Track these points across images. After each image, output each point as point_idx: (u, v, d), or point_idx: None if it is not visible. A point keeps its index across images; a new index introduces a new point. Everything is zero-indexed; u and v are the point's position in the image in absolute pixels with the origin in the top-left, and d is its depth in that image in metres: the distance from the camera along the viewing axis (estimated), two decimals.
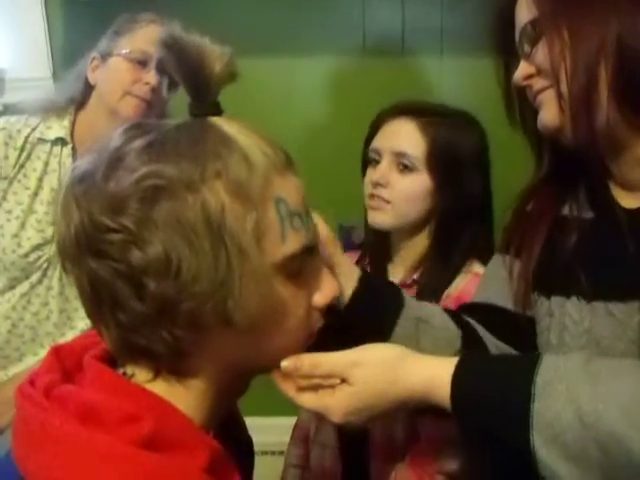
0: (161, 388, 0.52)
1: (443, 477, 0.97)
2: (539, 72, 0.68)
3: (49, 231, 1.22)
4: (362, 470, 1.05)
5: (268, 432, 1.28)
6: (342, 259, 0.72)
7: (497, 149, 1.55)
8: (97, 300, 0.50)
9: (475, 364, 0.59)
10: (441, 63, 1.56)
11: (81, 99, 1.26)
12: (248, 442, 0.70)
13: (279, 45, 1.56)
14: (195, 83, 0.53)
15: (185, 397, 0.53)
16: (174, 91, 0.56)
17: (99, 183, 0.48)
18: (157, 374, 0.52)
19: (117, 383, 0.51)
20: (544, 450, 0.51)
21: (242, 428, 0.71)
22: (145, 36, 1.20)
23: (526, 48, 0.68)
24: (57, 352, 0.56)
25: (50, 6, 1.54)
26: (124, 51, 1.19)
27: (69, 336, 1.25)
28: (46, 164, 1.23)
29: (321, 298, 0.57)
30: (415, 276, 1.06)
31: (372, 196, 1.05)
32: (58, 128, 1.23)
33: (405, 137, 1.03)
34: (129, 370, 0.53)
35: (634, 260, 0.66)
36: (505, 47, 0.75)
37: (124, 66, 1.19)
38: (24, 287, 1.23)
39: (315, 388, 0.61)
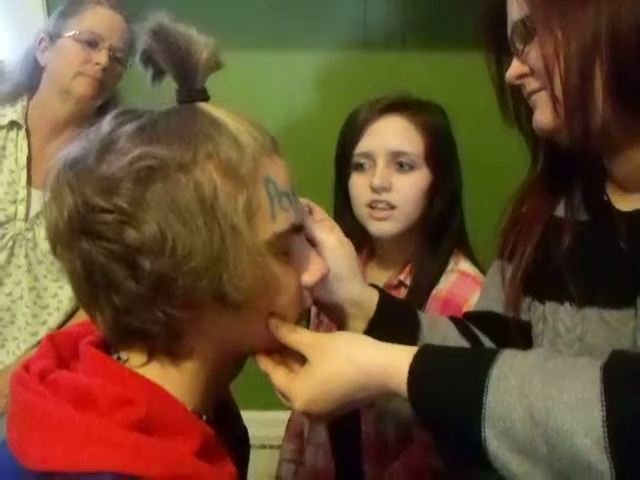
0: (155, 372, 0.52)
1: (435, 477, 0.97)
2: (532, 72, 0.66)
3: (10, 209, 1.24)
4: (355, 470, 1.05)
5: (266, 426, 1.28)
6: (363, 288, 0.72)
7: (489, 145, 1.55)
8: (91, 283, 0.50)
9: (433, 354, 0.58)
10: (442, 58, 1.56)
11: (32, 81, 1.27)
12: (243, 432, 0.71)
13: (279, 38, 1.56)
14: (183, 70, 0.54)
15: (178, 380, 0.53)
16: (160, 80, 0.58)
17: (91, 166, 0.49)
18: (151, 357, 0.53)
19: (111, 367, 0.52)
20: (495, 442, 0.52)
21: (237, 419, 0.71)
22: (93, 17, 1.23)
23: (518, 45, 0.66)
24: (52, 339, 0.57)
25: (51, 3, 1.54)
26: (73, 32, 1.21)
27: (42, 317, 1.26)
28: (3, 148, 1.25)
29: (310, 277, 0.59)
30: (401, 277, 1.03)
31: (373, 203, 0.98)
32: (11, 113, 1.25)
33: (401, 135, 0.98)
34: (123, 355, 0.53)
35: (629, 265, 0.65)
36: (496, 42, 0.73)
37: (74, 47, 1.21)
38: None
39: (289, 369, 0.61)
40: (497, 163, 1.58)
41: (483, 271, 1.01)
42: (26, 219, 1.24)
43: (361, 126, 0.99)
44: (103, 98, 1.28)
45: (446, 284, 1.00)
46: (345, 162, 1.02)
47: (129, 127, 0.50)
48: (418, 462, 0.99)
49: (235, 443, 0.65)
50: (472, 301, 0.96)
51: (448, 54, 1.56)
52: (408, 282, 1.03)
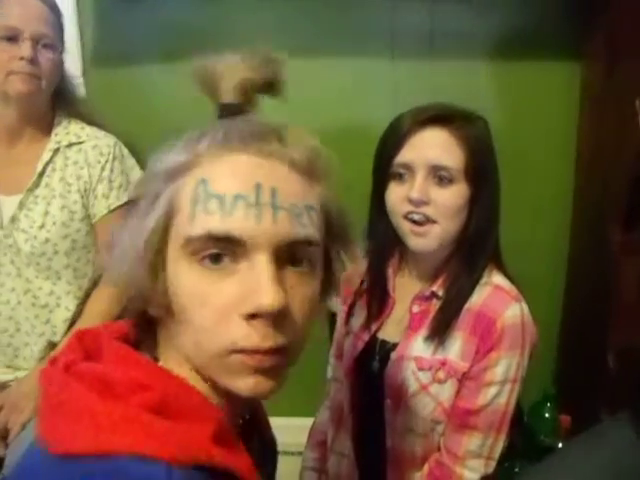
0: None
1: None
2: None
3: None
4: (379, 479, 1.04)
5: (288, 432, 1.28)
6: None
7: (523, 153, 1.53)
8: None
9: None
10: (468, 66, 1.55)
11: None
12: (272, 441, 0.70)
13: (307, 47, 1.55)
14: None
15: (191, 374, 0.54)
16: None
17: None
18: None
19: (128, 355, 0.53)
20: None
21: (266, 427, 0.70)
22: (8, 11, 1.17)
23: None
24: (80, 335, 0.58)
25: (81, 4, 1.54)
26: None
27: (44, 316, 1.25)
28: None
29: (245, 304, 0.50)
30: (434, 288, 1.02)
31: (410, 215, 0.96)
32: None
33: (442, 148, 0.95)
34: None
35: None
36: None
37: None
38: None
39: None
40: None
41: (515, 284, 1.00)
42: (1, 226, 1.22)
43: (403, 136, 0.98)
44: (49, 89, 1.23)
45: (480, 297, 0.99)
46: (384, 171, 1.00)
47: None
48: (443, 473, 0.98)
49: (264, 452, 0.65)
50: (506, 315, 0.95)
51: (475, 63, 1.55)
52: (441, 293, 1.01)
